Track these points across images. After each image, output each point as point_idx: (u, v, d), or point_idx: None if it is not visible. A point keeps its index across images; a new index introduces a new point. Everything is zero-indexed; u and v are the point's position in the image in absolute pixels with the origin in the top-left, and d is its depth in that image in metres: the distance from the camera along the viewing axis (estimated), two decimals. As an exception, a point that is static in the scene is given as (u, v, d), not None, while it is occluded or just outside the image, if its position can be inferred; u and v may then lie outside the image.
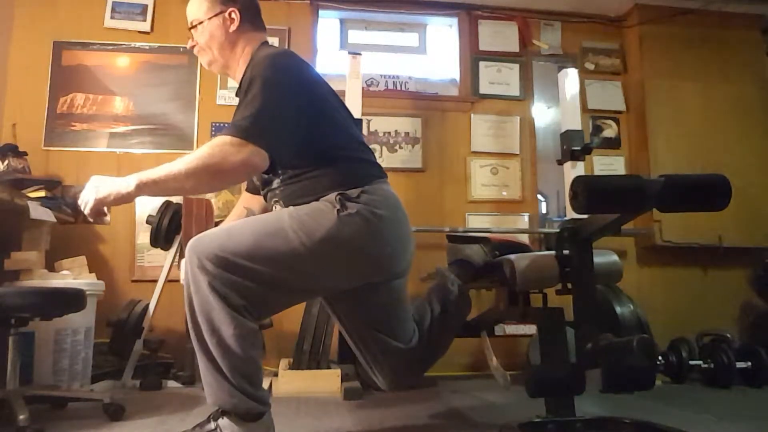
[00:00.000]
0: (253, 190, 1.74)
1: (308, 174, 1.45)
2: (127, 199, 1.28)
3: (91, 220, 1.32)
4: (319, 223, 1.35)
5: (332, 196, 1.39)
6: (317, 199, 1.41)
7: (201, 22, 1.55)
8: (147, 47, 3.32)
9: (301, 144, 1.41)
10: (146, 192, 1.28)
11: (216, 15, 1.54)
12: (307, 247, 1.33)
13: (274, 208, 1.53)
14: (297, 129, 1.39)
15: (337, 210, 1.36)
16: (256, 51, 1.54)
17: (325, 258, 1.36)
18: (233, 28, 1.54)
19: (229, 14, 1.54)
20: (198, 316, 1.28)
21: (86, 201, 1.29)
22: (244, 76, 1.46)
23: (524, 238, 3.40)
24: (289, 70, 1.43)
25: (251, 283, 1.29)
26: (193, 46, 1.59)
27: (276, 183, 1.50)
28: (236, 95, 1.50)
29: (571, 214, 2.88)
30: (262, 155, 1.29)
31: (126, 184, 1.27)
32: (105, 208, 1.31)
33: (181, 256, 2.80)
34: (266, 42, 1.62)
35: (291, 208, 1.42)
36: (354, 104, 2.82)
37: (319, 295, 1.46)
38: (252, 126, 1.30)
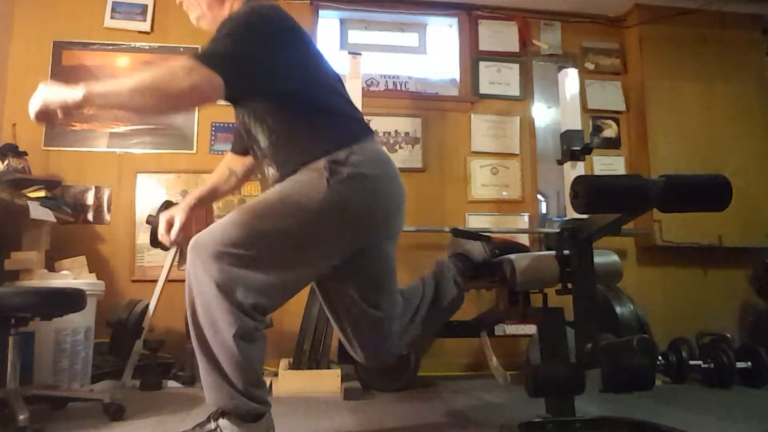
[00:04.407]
0: (239, 151, 1.71)
1: (294, 132, 1.42)
2: (73, 106, 1.18)
3: (37, 122, 1.21)
4: (309, 197, 1.34)
5: (321, 163, 1.36)
6: (306, 163, 1.38)
7: None
8: (147, 47, 3.32)
9: (283, 95, 1.38)
10: (93, 102, 1.20)
11: None
12: (300, 222, 1.32)
13: (266, 170, 1.50)
14: (266, 70, 1.34)
15: (327, 179, 1.34)
16: (243, 5, 1.48)
17: (320, 228, 1.35)
18: None
19: None
20: (200, 318, 1.28)
21: (34, 103, 1.19)
22: None
23: (524, 238, 3.40)
24: (268, 17, 1.38)
25: (253, 271, 1.28)
26: (182, 2, 1.55)
27: (263, 142, 1.46)
28: None
29: (571, 214, 2.88)
30: (214, 83, 1.24)
31: (74, 91, 1.19)
32: (53, 111, 1.19)
33: (182, 256, 2.81)
34: None
35: (278, 186, 1.39)
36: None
37: (320, 270, 1.41)
38: (210, 53, 1.27)
